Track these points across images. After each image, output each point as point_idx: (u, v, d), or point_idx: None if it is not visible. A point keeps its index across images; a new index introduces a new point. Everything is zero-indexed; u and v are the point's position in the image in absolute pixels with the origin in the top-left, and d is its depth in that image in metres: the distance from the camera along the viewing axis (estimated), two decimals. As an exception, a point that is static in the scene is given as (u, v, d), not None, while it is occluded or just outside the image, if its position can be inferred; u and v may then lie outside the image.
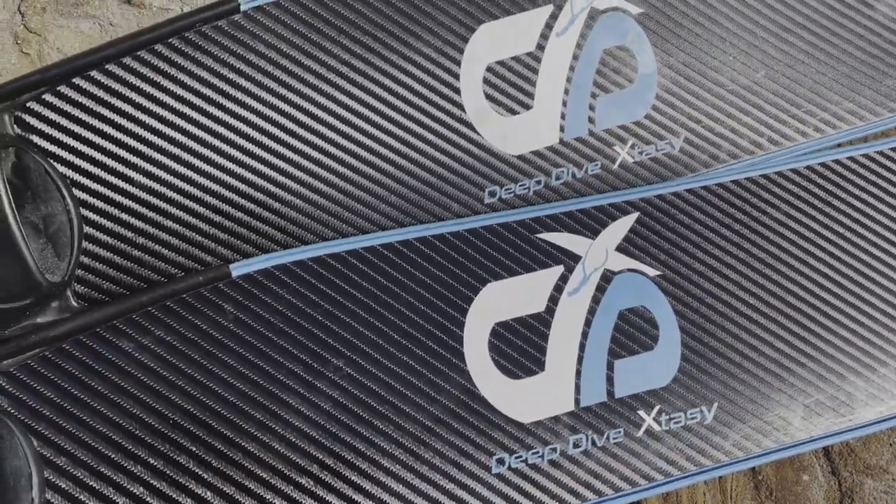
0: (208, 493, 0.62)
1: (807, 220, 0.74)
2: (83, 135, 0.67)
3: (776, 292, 0.72)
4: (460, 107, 0.73)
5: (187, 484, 0.62)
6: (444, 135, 0.73)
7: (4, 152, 0.59)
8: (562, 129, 0.74)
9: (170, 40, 0.67)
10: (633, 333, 0.70)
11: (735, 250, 0.73)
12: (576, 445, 0.67)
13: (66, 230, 0.62)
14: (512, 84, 0.74)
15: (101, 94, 0.67)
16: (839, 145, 0.78)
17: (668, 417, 0.69)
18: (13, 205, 0.58)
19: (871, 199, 0.75)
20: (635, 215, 0.72)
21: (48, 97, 0.66)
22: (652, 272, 0.71)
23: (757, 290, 0.72)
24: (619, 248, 0.71)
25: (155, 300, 0.63)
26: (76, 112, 0.66)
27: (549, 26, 0.75)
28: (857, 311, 0.72)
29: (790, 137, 0.76)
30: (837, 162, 0.76)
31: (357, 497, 0.64)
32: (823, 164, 0.75)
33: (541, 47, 0.75)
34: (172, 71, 0.69)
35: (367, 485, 0.64)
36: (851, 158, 0.76)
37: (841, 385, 0.70)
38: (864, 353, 0.71)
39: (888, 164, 0.76)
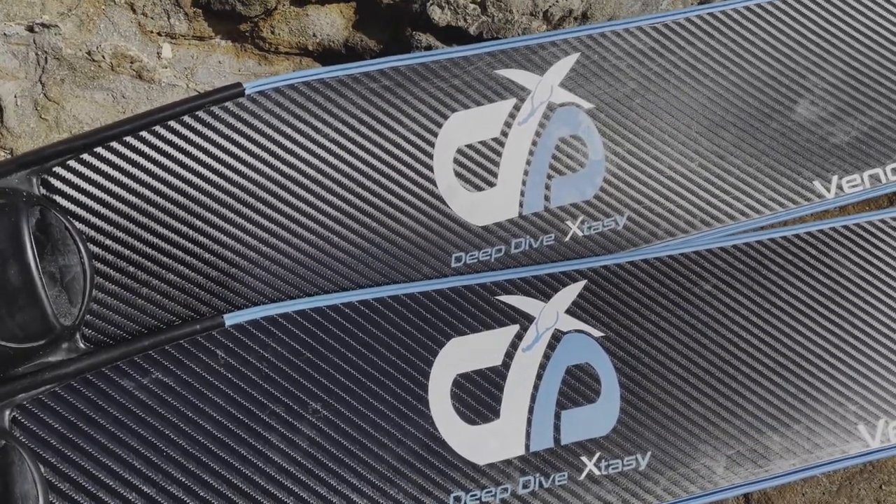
0: (195, 521, 0.68)
1: (731, 293, 0.81)
2: (100, 197, 0.72)
3: (703, 354, 0.79)
4: (433, 182, 0.80)
5: (176, 511, 0.68)
6: (418, 206, 0.79)
7: (30, 210, 0.66)
8: (521, 204, 0.81)
9: (182, 118, 0.73)
10: (579, 387, 0.76)
11: (669, 316, 0.79)
12: (525, 486, 0.73)
13: (80, 280, 0.67)
14: (478, 164, 0.81)
15: (119, 162, 0.73)
16: (761, 228, 0.84)
17: (606, 463, 0.75)
18: (36, 256, 0.65)
19: (787, 276, 0.82)
20: (583, 283, 0.79)
21: (72, 163, 0.71)
22: (597, 333, 0.78)
23: (686, 351, 0.79)
24: (569, 311, 0.78)
25: (155, 345, 0.69)
26: (95, 177, 0.72)
27: (511, 116, 0.82)
28: (773, 374, 0.79)
29: (719, 219, 0.83)
30: (759, 242, 0.83)
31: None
32: (747, 244, 0.83)
33: (504, 133, 0.81)
34: (183, 144, 0.74)
35: (337, 516, 0.70)
36: (772, 240, 0.83)
37: (759, 439, 0.77)
38: (780, 412, 0.78)
39: (804, 245, 0.83)
